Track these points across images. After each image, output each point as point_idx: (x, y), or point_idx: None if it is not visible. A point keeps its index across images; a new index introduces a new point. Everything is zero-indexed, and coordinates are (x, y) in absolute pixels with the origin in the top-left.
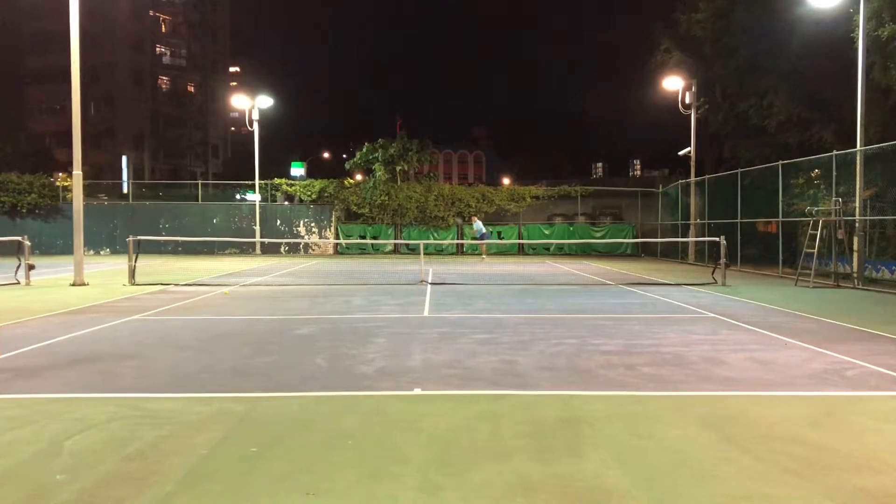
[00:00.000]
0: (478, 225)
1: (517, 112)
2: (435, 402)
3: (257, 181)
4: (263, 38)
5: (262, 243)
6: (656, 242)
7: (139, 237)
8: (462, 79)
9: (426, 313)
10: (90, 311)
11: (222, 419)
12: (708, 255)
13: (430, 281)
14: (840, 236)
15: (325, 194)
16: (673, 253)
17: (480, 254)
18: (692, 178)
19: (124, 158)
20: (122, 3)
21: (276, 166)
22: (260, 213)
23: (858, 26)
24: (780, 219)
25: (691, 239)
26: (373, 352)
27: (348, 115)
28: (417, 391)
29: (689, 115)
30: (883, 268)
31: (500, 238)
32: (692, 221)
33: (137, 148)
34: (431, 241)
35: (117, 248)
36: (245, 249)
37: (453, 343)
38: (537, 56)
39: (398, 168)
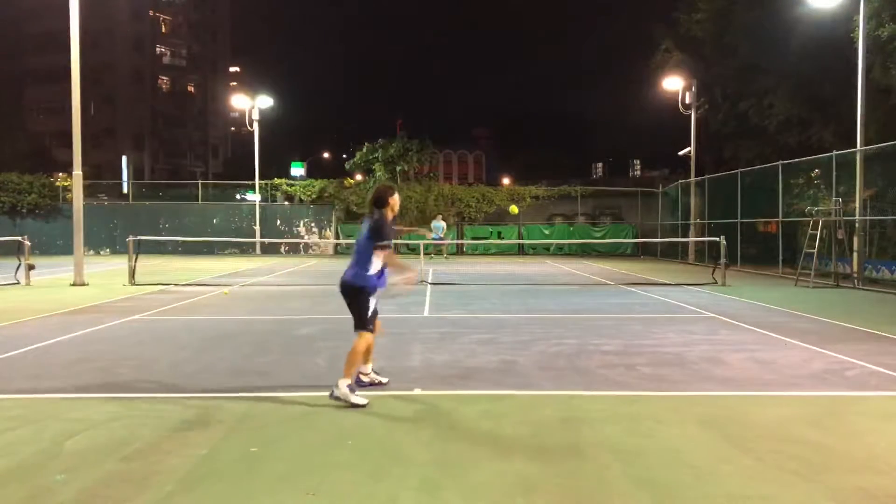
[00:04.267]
0: (438, 224)
1: (517, 112)
2: (435, 402)
3: (257, 181)
4: (263, 38)
5: (262, 243)
6: (656, 242)
7: (139, 237)
8: (462, 79)
9: (426, 313)
10: (90, 311)
11: (222, 419)
12: (708, 255)
13: (430, 281)
14: (840, 236)
15: (325, 194)
16: (673, 253)
17: (442, 254)
18: (692, 178)
19: (124, 158)
20: (122, 3)
21: (276, 166)
22: (260, 213)
23: (858, 26)
24: (780, 219)
25: (691, 239)
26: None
27: (348, 115)
28: (417, 391)
29: (689, 115)
30: (883, 268)
31: (500, 238)
32: (692, 221)
33: (137, 148)
34: (431, 241)
35: (117, 248)
36: (245, 249)
37: (453, 343)
38: (537, 56)
39: (398, 168)
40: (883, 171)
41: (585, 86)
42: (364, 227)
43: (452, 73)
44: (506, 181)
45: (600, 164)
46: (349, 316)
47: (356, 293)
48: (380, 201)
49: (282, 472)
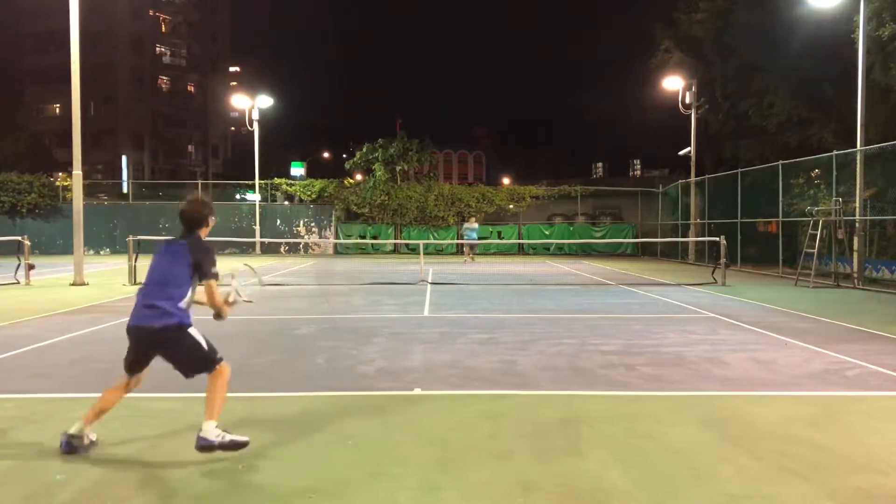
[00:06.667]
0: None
1: (517, 112)
2: (435, 402)
3: (257, 181)
4: (263, 38)
5: (262, 243)
6: (656, 242)
7: (139, 237)
8: (462, 79)
9: (426, 313)
10: (90, 311)
11: (222, 419)
12: (708, 255)
13: (429, 281)
14: (840, 236)
15: (325, 194)
16: (673, 253)
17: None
18: (692, 178)
19: (124, 158)
20: (122, 3)
21: (276, 166)
22: (260, 212)
23: (858, 26)
24: (780, 219)
25: (691, 239)
26: (373, 352)
27: (348, 115)
28: (417, 391)
29: (689, 115)
30: (883, 268)
31: (500, 238)
32: (692, 221)
33: (137, 148)
34: (431, 241)
35: (117, 248)
36: (245, 249)
37: (453, 343)
38: (537, 56)
39: (398, 168)
40: (883, 171)
41: (585, 86)
42: (182, 250)
43: (452, 73)
44: (506, 181)
45: (600, 164)
46: (349, 315)
47: (181, 334)
48: (202, 221)
49: (282, 471)
